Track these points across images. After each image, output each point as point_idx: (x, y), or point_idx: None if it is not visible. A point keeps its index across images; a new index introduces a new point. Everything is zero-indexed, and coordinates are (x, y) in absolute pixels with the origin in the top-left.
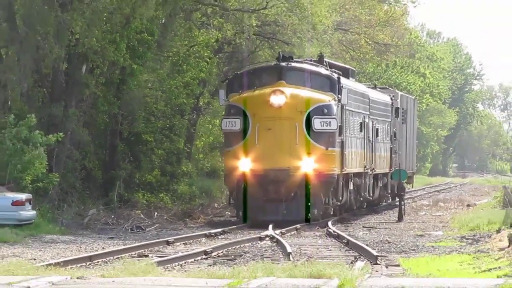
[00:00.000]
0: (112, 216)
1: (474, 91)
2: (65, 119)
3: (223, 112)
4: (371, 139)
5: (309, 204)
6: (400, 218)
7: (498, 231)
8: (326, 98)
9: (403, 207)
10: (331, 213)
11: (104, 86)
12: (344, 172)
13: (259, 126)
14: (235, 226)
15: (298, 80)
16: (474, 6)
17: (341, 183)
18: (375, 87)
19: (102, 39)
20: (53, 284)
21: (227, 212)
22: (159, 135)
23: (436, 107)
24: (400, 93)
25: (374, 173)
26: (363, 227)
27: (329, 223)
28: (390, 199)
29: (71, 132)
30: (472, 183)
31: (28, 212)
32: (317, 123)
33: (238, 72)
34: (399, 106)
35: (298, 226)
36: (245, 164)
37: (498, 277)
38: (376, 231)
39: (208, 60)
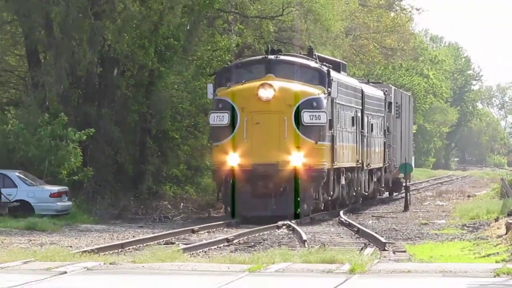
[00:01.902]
0: (142, 206)
1: (474, 91)
2: (98, 118)
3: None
4: (365, 134)
5: (299, 199)
6: (406, 208)
7: (496, 219)
8: (315, 91)
9: (409, 198)
10: (322, 208)
11: (134, 88)
12: (335, 167)
13: (248, 120)
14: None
15: (287, 73)
16: (474, 11)
17: (332, 177)
18: (368, 82)
19: (132, 44)
20: (87, 269)
21: None
22: (185, 132)
23: (439, 106)
24: (393, 87)
25: (369, 168)
26: (372, 216)
27: (341, 213)
28: (388, 194)
29: (104, 130)
30: (472, 176)
31: (65, 203)
32: (306, 117)
33: (226, 66)
34: (392, 100)
35: (312, 215)
36: (233, 159)
37: (496, 262)
38: (384, 220)
39: (230, 63)
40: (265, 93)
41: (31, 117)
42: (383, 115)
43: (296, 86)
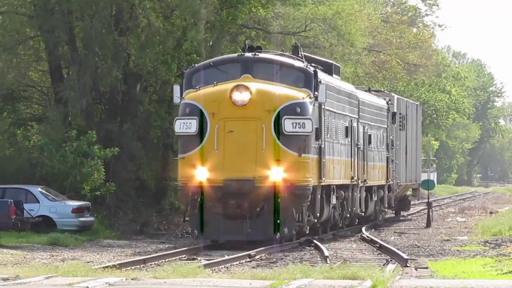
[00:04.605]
0: (164, 222)
1: (496, 107)
2: (121, 133)
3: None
4: (361, 146)
5: (278, 221)
6: (428, 224)
7: None
8: (299, 95)
9: (431, 214)
10: (307, 232)
11: (157, 103)
12: (323, 184)
13: (219, 128)
14: None
15: (266, 74)
16: (497, 28)
17: (319, 196)
18: (369, 90)
19: (155, 60)
20: (109, 285)
21: None
22: None
23: (461, 122)
24: (396, 96)
25: (366, 185)
26: (394, 232)
27: (363, 229)
28: (394, 214)
29: (126, 145)
30: (495, 192)
31: (87, 219)
32: (288, 125)
33: (196, 65)
34: (395, 110)
35: (334, 231)
36: (202, 174)
37: None
38: (406, 236)
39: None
40: (240, 97)
41: (53, 133)
42: (385, 126)
43: (277, 89)
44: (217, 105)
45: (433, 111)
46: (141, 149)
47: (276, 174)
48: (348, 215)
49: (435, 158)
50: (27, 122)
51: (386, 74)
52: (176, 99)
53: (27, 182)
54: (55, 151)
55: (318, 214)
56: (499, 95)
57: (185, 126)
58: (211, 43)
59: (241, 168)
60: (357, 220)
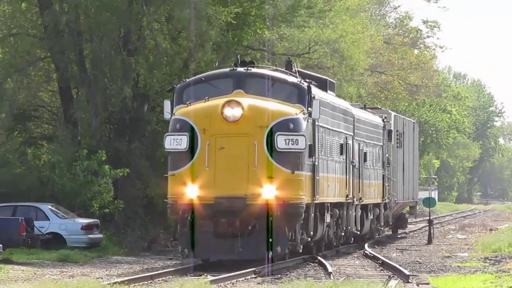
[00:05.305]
0: (171, 239)
1: (496, 127)
2: (129, 152)
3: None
4: (356, 164)
5: (271, 240)
6: (429, 241)
7: None
8: (292, 110)
9: (432, 231)
10: (300, 251)
11: (164, 123)
12: (316, 202)
13: (210, 144)
14: None
15: (258, 89)
16: (496, 49)
17: (313, 214)
18: (364, 107)
19: (162, 81)
20: None
21: None
22: None
23: (462, 141)
24: (393, 113)
25: (361, 203)
26: (396, 249)
27: (366, 245)
28: (391, 232)
29: (134, 164)
30: (494, 210)
31: (96, 236)
32: (281, 141)
33: (187, 80)
34: (392, 128)
35: (337, 248)
36: (192, 191)
37: None
38: (408, 253)
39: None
40: (232, 112)
41: (64, 152)
42: (381, 143)
43: (270, 104)
44: (208, 121)
45: (434, 131)
46: (149, 167)
47: (268, 192)
48: (343, 234)
49: (436, 176)
50: (38, 141)
51: (388, 94)
52: (167, 115)
53: (37, 200)
54: (66, 169)
55: (311, 233)
56: (499, 115)
57: (175, 142)
58: (217, 63)
59: (233, 186)
60: (352, 238)
